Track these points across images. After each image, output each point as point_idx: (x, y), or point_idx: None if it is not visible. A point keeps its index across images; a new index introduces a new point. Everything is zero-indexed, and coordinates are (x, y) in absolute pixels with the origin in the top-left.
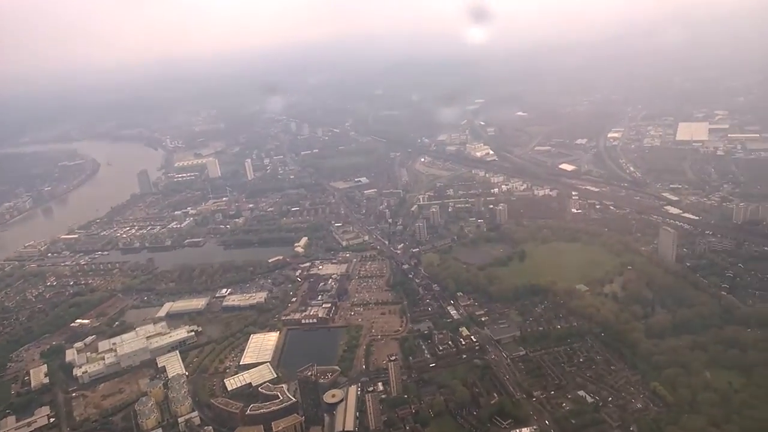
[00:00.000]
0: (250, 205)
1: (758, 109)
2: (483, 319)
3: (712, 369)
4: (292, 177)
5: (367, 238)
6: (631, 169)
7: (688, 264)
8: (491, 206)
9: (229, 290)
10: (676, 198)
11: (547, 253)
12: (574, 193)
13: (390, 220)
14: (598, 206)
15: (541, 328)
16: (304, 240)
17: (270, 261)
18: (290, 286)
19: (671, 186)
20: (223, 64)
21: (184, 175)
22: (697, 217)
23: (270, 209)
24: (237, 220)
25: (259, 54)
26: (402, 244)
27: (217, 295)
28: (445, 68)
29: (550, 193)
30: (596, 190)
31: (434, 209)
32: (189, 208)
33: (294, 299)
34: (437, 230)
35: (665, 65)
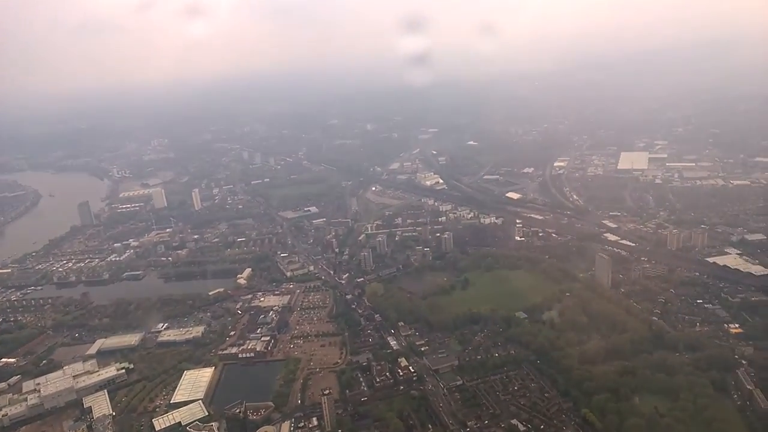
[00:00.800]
0: (195, 236)
1: (695, 139)
2: (423, 348)
3: (641, 394)
4: (240, 207)
5: (312, 268)
6: (575, 197)
7: (622, 290)
8: (438, 235)
9: (166, 325)
10: (615, 225)
11: (490, 281)
12: (518, 221)
13: (337, 250)
14: (541, 234)
15: (479, 357)
16: (247, 271)
17: (210, 294)
18: (230, 319)
19: (611, 213)
20: (177, 93)
21: (129, 206)
22: (633, 244)
23: (215, 240)
24: (180, 251)
25: (214, 83)
26: (347, 274)
27: (152, 330)
28: (401, 98)
29: (496, 221)
30: (540, 217)
31: (380, 238)
32: (131, 240)
33: (232, 333)
34: (383, 259)
35: (612, 97)
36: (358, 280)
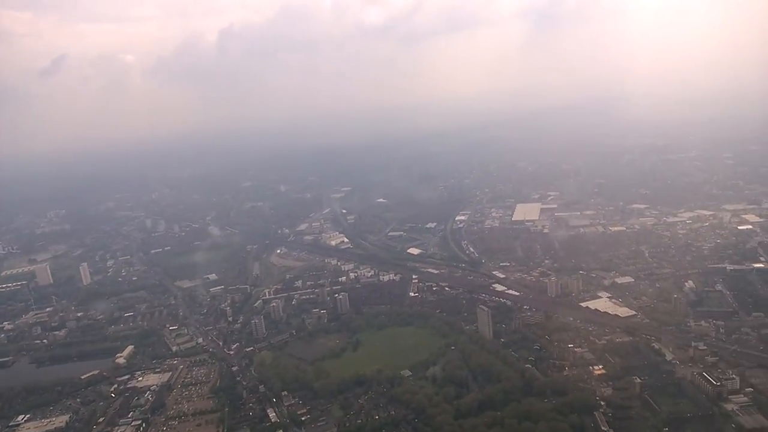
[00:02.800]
0: (79, 314)
1: (582, 189)
2: (304, 418)
3: None
4: (135, 278)
5: (201, 340)
6: (471, 249)
7: (502, 340)
8: (336, 295)
9: (27, 416)
10: (503, 275)
11: (381, 340)
12: (414, 276)
13: (230, 319)
14: (435, 288)
15: (359, 421)
16: (128, 349)
17: (83, 377)
18: (101, 404)
19: (501, 264)
20: (82, 160)
21: (10, 285)
22: (518, 293)
23: (100, 317)
24: (58, 332)
25: (124, 148)
26: (237, 344)
27: (10, 423)
28: (319, 158)
29: (394, 278)
30: (436, 272)
31: (275, 303)
32: (5, 323)
33: (101, 419)
34: (278, 325)
35: (514, 151)
36: (248, 349)
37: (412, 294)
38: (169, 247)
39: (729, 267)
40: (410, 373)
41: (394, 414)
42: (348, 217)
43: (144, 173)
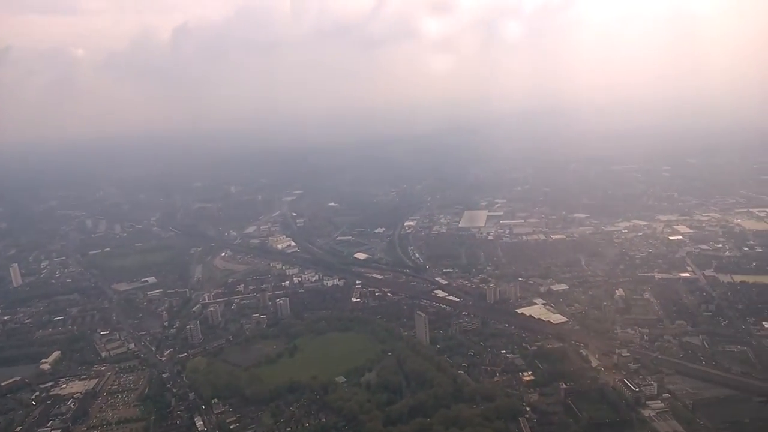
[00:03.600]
0: (6, 317)
1: (529, 197)
2: (233, 426)
3: None
4: (69, 281)
5: (133, 345)
6: (417, 255)
7: (438, 346)
8: (277, 300)
9: None
10: (446, 282)
11: (319, 346)
12: (358, 281)
13: (166, 323)
14: (377, 293)
15: (289, 429)
16: (54, 354)
17: (3, 384)
18: (20, 412)
19: (444, 270)
20: (22, 158)
21: None
22: (458, 299)
23: (28, 320)
24: None
25: (71, 145)
26: (170, 350)
27: None
28: (275, 160)
29: (339, 283)
30: (380, 277)
31: (213, 308)
32: None
33: (18, 429)
34: (215, 330)
35: (468, 158)
36: (181, 355)
37: (354, 299)
38: (108, 249)
39: (658, 276)
40: (345, 380)
41: (324, 421)
42: (298, 221)
43: (91, 171)
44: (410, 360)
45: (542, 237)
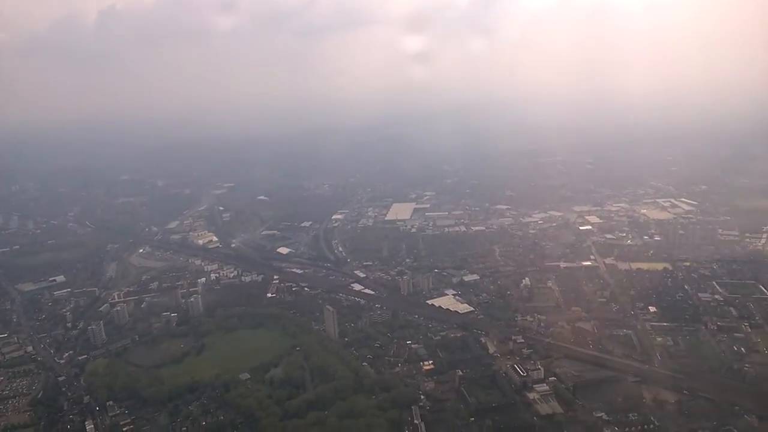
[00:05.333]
0: None
1: (457, 190)
2: (126, 428)
3: None
4: None
5: (31, 348)
6: (340, 249)
7: (347, 339)
8: (190, 298)
9: None
10: (364, 275)
11: (227, 343)
12: (276, 276)
13: (69, 324)
14: (294, 288)
15: (185, 429)
16: None
17: None
18: None
19: (364, 263)
20: None
21: None
22: (373, 292)
23: None
24: None
25: None
26: (69, 353)
27: None
28: (205, 152)
29: (257, 278)
30: (300, 272)
31: (119, 308)
32: None
33: None
34: (122, 330)
35: (402, 151)
36: (81, 358)
37: (270, 295)
38: (17, 246)
39: (563, 265)
40: (249, 377)
41: (222, 419)
42: (224, 215)
43: (8, 163)
44: (316, 354)
45: (463, 229)
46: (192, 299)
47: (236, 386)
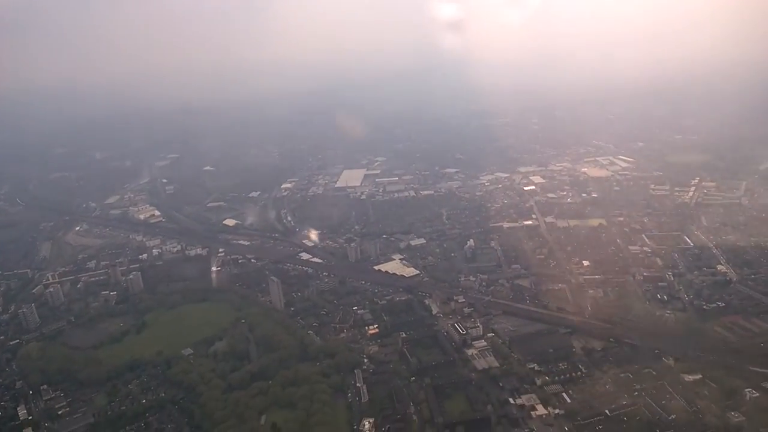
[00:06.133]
0: None
1: (409, 154)
2: (62, 411)
3: (272, 411)
4: None
5: None
6: (289, 218)
7: (293, 308)
8: (131, 275)
9: None
10: (312, 244)
11: (170, 320)
12: (221, 249)
13: (0, 309)
14: (241, 260)
15: (123, 408)
16: None
17: None
18: None
19: (313, 232)
20: None
21: None
22: (321, 261)
23: None
24: None
25: None
26: (1, 337)
27: None
28: (147, 122)
29: (201, 252)
30: (247, 243)
31: (52, 289)
32: None
33: None
34: (57, 312)
35: (355, 116)
36: (13, 342)
37: (214, 268)
38: None
39: (506, 225)
40: (192, 352)
41: (164, 395)
42: (168, 188)
43: None
44: (261, 325)
45: (412, 194)
46: (131, 276)
47: (178, 362)
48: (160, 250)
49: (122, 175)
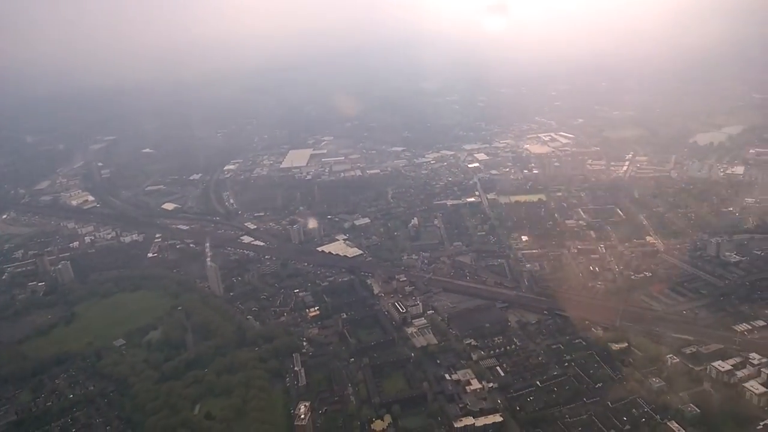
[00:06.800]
0: None
1: (356, 134)
2: None
3: (206, 399)
4: None
5: None
6: (231, 201)
7: (232, 294)
8: (60, 265)
9: None
10: (255, 226)
11: (102, 310)
12: (158, 235)
13: None
14: (179, 246)
15: (49, 404)
16: None
17: None
18: None
19: (256, 214)
20: None
21: None
22: (264, 243)
23: None
24: None
25: None
26: None
27: None
28: (85, 103)
29: (138, 238)
30: (186, 228)
31: None
32: None
33: None
34: None
35: (301, 95)
36: None
37: (150, 255)
38: None
39: (449, 203)
40: (124, 342)
41: (92, 389)
42: (103, 172)
43: None
44: (199, 312)
45: (359, 173)
46: (61, 266)
47: (109, 354)
48: (93, 238)
49: (55, 160)
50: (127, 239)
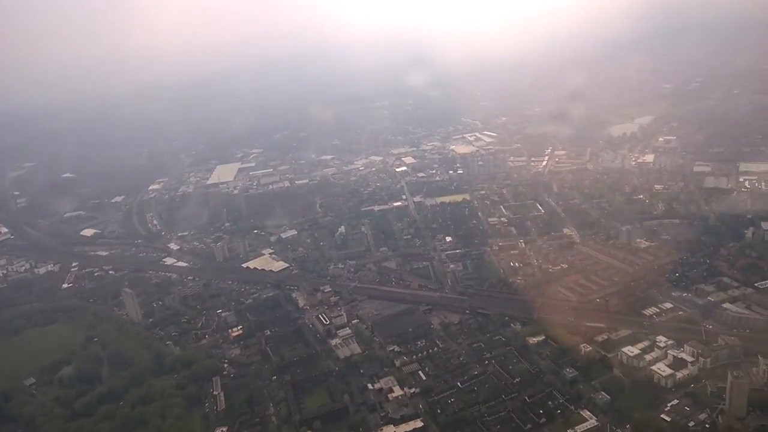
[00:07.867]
0: None
1: (286, 144)
2: None
3: None
4: None
5: None
6: (155, 222)
7: (151, 320)
8: None
9: None
10: (178, 247)
11: (11, 348)
12: (74, 264)
13: None
14: (96, 273)
15: None
16: None
17: None
18: None
19: (180, 234)
20: None
21: None
22: (187, 264)
23: None
24: None
25: None
26: None
27: None
28: (6, 127)
29: (53, 268)
30: (105, 254)
31: None
32: None
33: None
34: None
35: (230, 109)
36: None
37: (65, 285)
38: None
39: (377, 208)
40: (34, 381)
41: None
42: (19, 201)
43: None
44: (115, 342)
45: (287, 184)
46: None
47: (17, 394)
48: (5, 272)
49: None
50: (42, 270)
